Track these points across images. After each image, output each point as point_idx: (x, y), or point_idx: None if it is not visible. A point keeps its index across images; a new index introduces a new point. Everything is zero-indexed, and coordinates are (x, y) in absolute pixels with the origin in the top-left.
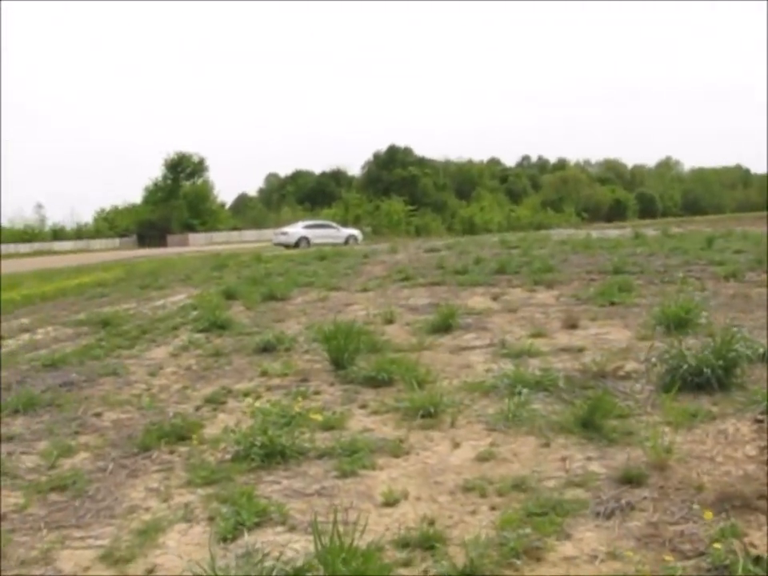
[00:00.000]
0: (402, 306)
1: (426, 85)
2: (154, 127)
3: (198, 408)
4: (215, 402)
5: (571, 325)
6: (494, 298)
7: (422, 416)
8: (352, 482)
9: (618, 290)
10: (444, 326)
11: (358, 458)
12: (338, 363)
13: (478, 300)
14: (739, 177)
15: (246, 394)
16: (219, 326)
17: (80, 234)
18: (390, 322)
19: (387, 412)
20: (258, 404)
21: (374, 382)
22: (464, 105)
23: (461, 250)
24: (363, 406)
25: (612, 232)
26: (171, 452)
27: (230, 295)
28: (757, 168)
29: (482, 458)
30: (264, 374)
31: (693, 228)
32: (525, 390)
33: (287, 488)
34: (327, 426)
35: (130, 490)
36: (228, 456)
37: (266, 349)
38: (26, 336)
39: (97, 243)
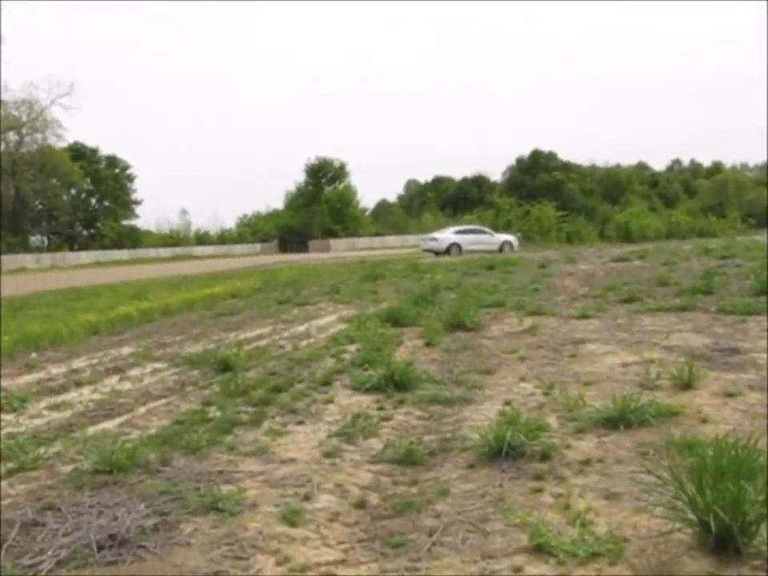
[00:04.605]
0: (670, 349)
1: (565, 88)
2: (294, 135)
3: None
4: None
5: None
6: None
7: None
8: None
9: None
10: None
11: None
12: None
13: None
14: None
15: None
16: (396, 383)
17: (223, 239)
18: (687, 386)
19: None
20: None
21: None
22: (606, 108)
23: (663, 261)
24: None
25: None
26: None
27: (395, 320)
28: None
29: None
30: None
31: None
32: None
33: None
34: None
35: None
36: None
37: (512, 458)
38: (112, 380)
39: (238, 248)
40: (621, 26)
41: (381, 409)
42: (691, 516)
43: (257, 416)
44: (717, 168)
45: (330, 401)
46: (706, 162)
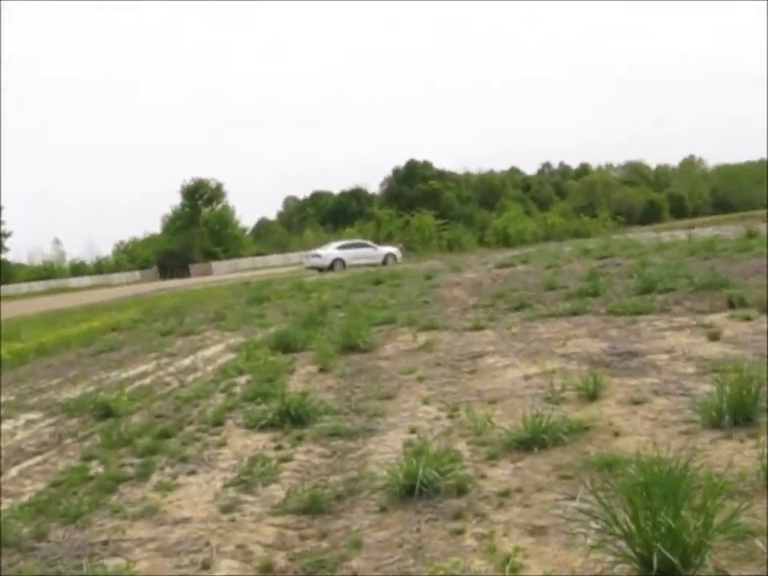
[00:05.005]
0: (569, 357)
1: (436, 97)
2: (168, 154)
3: None
4: None
5: None
6: (714, 337)
7: None
8: None
9: None
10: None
11: None
12: None
13: (683, 342)
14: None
15: None
16: (293, 418)
17: (100, 268)
18: (593, 397)
19: None
20: None
21: None
22: (477, 114)
23: (546, 264)
24: None
25: (678, 233)
26: None
27: (285, 345)
28: None
29: None
30: None
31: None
32: None
33: None
34: None
35: None
36: None
37: (426, 496)
38: None
39: (116, 277)
40: (482, 33)
41: (279, 448)
42: (628, 551)
43: (144, 469)
44: (584, 169)
45: (223, 443)
46: (574, 163)
